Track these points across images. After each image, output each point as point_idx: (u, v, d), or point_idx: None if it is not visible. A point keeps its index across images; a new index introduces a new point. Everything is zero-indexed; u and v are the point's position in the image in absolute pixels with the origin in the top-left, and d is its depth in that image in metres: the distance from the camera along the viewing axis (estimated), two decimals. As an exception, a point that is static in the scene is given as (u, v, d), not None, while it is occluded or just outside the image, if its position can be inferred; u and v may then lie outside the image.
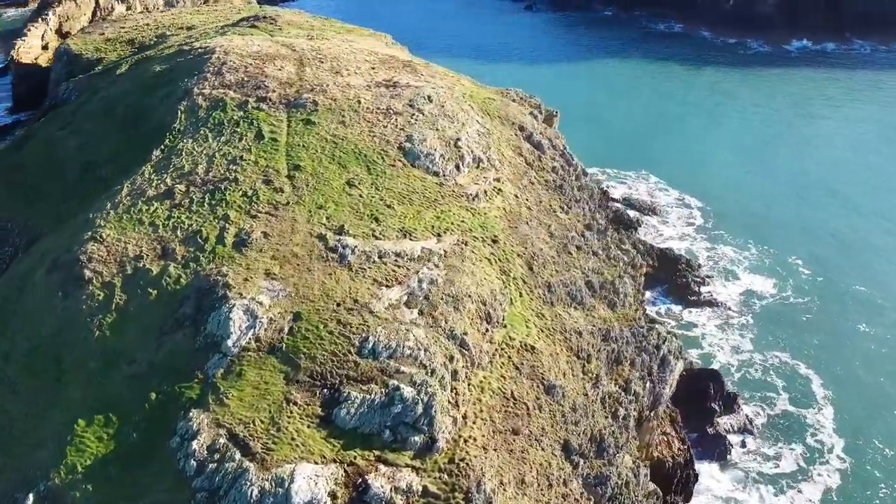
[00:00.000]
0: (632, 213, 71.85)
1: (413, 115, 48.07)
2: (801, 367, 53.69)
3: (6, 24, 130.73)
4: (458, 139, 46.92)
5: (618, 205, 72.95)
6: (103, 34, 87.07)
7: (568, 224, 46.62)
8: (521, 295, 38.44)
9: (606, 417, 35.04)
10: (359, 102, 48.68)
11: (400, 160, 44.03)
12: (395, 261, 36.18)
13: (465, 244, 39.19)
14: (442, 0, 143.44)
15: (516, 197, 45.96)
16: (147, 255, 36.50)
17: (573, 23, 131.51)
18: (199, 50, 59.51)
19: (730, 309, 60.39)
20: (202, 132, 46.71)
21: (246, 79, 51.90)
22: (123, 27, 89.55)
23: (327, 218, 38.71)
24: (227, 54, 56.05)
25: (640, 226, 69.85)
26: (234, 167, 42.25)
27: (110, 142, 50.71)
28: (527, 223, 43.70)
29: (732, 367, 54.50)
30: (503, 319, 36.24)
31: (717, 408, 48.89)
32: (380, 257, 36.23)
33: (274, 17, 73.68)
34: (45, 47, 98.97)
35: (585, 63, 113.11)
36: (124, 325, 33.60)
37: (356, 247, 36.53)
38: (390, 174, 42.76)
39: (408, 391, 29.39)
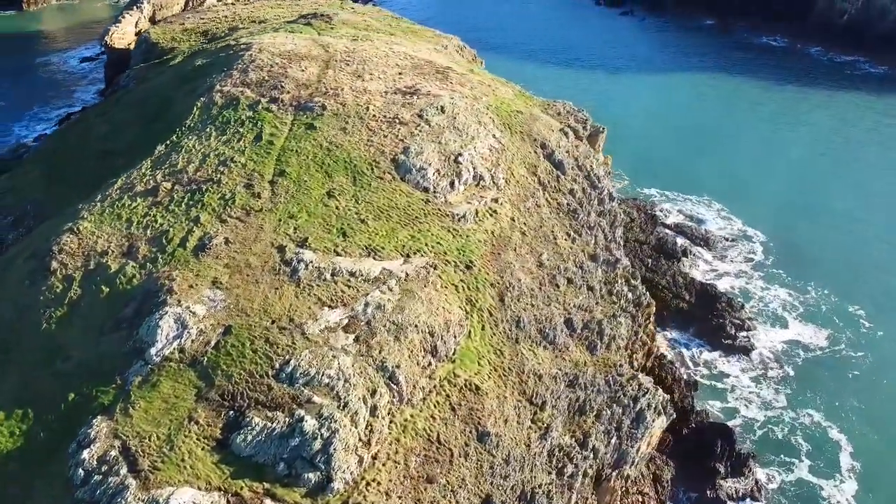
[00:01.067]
0: (681, 241, 66.90)
1: (419, 125, 46.24)
2: (833, 432, 48.03)
3: (119, 10, 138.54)
4: (460, 154, 44.70)
5: (667, 231, 68.23)
6: (183, 24, 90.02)
7: (567, 253, 43.39)
8: (483, 328, 35.95)
9: (549, 473, 32.07)
10: (367, 109, 47.37)
11: (390, 173, 42.37)
12: (348, 280, 34.63)
13: (434, 268, 37.09)
14: (538, 2, 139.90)
15: (512, 220, 43.23)
16: (112, 252, 36.72)
17: (668, 31, 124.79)
18: (241, 46, 60.10)
19: (768, 358, 54.93)
20: (208, 130, 46.84)
21: (267, 78, 51.74)
22: (203, 18, 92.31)
23: (295, 228, 37.67)
24: (261, 52, 56.19)
25: (686, 256, 64.85)
26: (222, 168, 41.99)
27: (131, 132, 51.97)
28: (514, 250, 40.96)
29: (756, 424, 49.45)
30: (453, 353, 33.95)
31: (722, 469, 44.37)
32: (332, 275, 34.79)
33: (330, 16, 73.55)
34: (138, 34, 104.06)
35: (672, 74, 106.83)
36: (71, 320, 33.86)
37: (311, 262, 35.25)
38: (375, 187, 41.20)
39: (309, 424, 27.82)
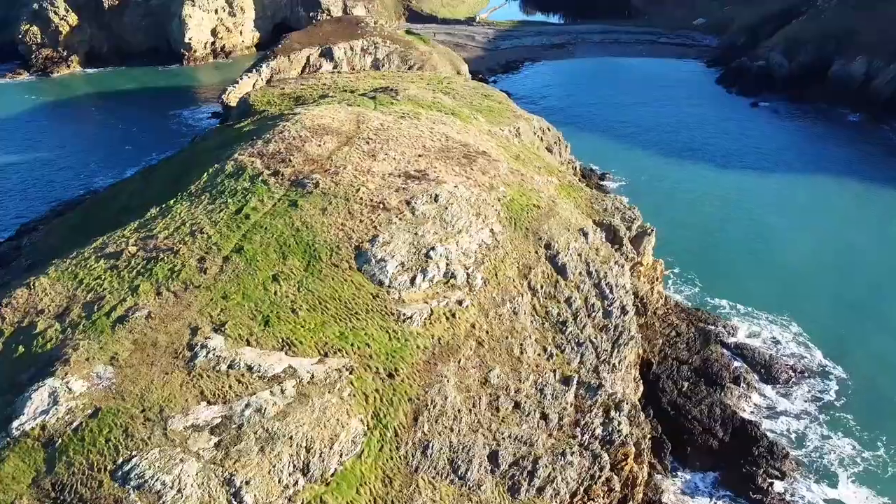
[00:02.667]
0: (736, 366, 58.50)
1: (402, 213, 43.79)
2: None
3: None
4: (433, 248, 41.56)
5: (722, 351, 60.03)
6: (283, 89, 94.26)
7: (528, 371, 38.49)
8: (380, 450, 32.09)
9: None
10: (357, 191, 45.69)
11: (348, 261, 40.08)
12: (242, 374, 32.39)
13: (350, 372, 33.99)
14: (661, 86, 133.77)
15: (472, 327, 39.18)
16: (48, 312, 37.07)
17: (802, 125, 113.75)
18: (285, 116, 61.19)
19: (805, 525, 45.67)
20: (203, 197, 47.24)
21: (281, 150, 51.78)
22: (305, 84, 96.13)
23: (221, 310, 36.20)
24: (294, 124, 56.68)
25: (736, 384, 56.42)
26: (188, 238, 41.75)
27: (153, 192, 53.70)
28: (458, 361, 36.84)
29: None
30: (331, 475, 30.39)
31: None
32: (229, 367, 32.72)
33: (397, 90, 73.73)
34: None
35: (793, 174, 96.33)
36: (-19, 376, 34.12)
37: (215, 349, 33.44)
38: (325, 274, 39.03)
39: (110, 536, 25.45)
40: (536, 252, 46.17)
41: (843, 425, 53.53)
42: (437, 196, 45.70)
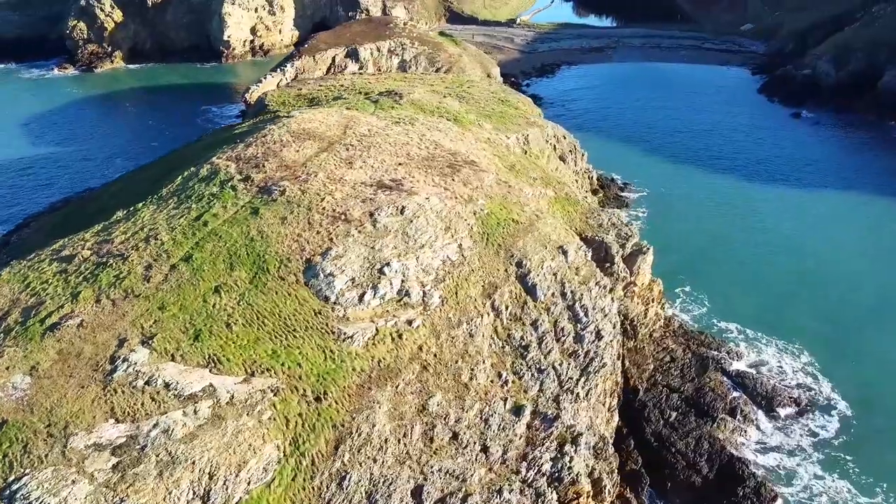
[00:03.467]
0: (734, 396, 54.87)
1: (362, 225, 42.10)
2: None
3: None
4: (388, 264, 39.73)
5: (722, 379, 56.40)
6: (300, 89, 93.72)
7: (474, 399, 36.29)
8: (293, 479, 30.44)
9: None
10: (322, 200, 44.20)
11: (295, 274, 38.59)
12: (157, 392, 31.19)
13: (274, 393, 32.49)
14: (699, 93, 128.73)
15: (420, 348, 37.21)
16: (-11, 315, 36.65)
17: (843, 140, 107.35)
18: (278, 118, 60.28)
19: (785, 577, 42.20)
20: (170, 201, 46.53)
21: (259, 155, 50.75)
22: (323, 85, 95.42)
23: (154, 322, 35.16)
24: (280, 128, 55.67)
25: (732, 416, 52.88)
26: (142, 244, 40.97)
27: (134, 192, 53.33)
28: (397, 386, 34.92)
29: None
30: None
31: None
32: (147, 383, 31.58)
33: (401, 94, 72.12)
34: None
35: (830, 192, 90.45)
36: (-90, 379, 33.79)
37: (136, 363, 32.37)
38: (269, 288, 37.64)
39: (-22, 561, 24.49)
40: (506, 270, 43.87)
41: (838, 465, 49.44)
42: (403, 208, 43.85)
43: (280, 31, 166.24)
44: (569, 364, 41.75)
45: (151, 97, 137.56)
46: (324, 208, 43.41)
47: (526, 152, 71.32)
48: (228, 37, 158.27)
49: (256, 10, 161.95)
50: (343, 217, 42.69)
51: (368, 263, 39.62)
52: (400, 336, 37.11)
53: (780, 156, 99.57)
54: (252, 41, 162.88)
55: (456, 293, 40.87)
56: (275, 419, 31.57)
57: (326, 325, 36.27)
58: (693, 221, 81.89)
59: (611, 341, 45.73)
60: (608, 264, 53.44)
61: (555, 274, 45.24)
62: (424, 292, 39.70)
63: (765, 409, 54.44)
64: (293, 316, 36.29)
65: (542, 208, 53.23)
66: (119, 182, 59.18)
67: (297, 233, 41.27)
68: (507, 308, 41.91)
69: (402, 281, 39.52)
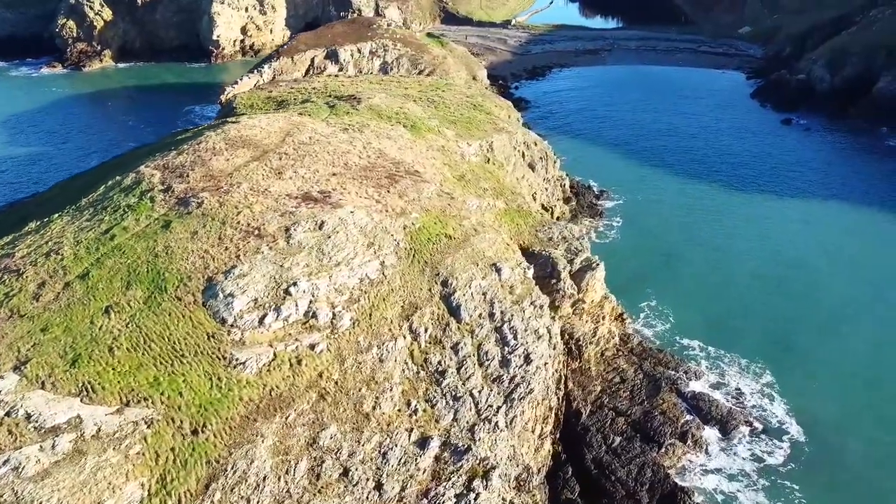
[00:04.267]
0: (686, 420, 52.22)
1: (274, 241, 39.96)
2: None
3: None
4: (295, 284, 37.56)
5: (675, 401, 53.78)
6: (270, 92, 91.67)
7: (370, 431, 34.01)
8: (155, 520, 28.37)
9: None
10: (238, 213, 42.09)
11: (194, 294, 36.50)
12: (16, 423, 29.20)
13: (148, 425, 30.41)
14: (690, 97, 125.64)
15: (320, 375, 35.02)
16: None
17: (833, 147, 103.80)
18: (222, 124, 58.32)
19: None
20: (86, 212, 44.63)
21: (187, 164, 48.77)
22: (294, 87, 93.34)
23: (33, 345, 33.19)
24: (219, 134, 53.73)
25: (683, 441, 50.29)
26: (40, 259, 39.05)
27: (57, 202, 51.51)
28: (287, 417, 32.73)
29: None
30: (84, 548, 26.86)
31: None
32: (7, 413, 29.59)
33: (359, 99, 69.98)
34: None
35: (812, 202, 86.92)
36: None
37: (1, 391, 30.38)
38: (163, 309, 35.57)
39: None
40: (430, 290, 41.58)
41: (784, 495, 46.70)
42: (323, 223, 41.69)
43: (271, 31, 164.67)
44: (491, 390, 39.41)
45: (136, 96, 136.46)
46: (238, 222, 41.32)
47: (489, 160, 68.98)
48: (218, 36, 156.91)
49: (247, 9, 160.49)
50: (256, 232, 40.58)
51: (274, 283, 37.48)
52: (299, 362, 34.95)
53: (763, 162, 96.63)
54: (242, 41, 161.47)
55: (370, 314, 38.65)
56: (144, 454, 29.51)
57: (219, 349, 34.15)
58: (667, 231, 79.30)
59: (544, 365, 43.34)
60: (554, 281, 51.07)
61: (484, 293, 42.90)
62: (334, 314, 37.53)
63: (718, 433, 51.86)
64: (184, 339, 34.21)
65: (486, 221, 50.92)
66: (54, 189, 57.54)
67: (204, 249, 39.19)
68: (426, 330, 39.64)
69: (311, 301, 37.36)
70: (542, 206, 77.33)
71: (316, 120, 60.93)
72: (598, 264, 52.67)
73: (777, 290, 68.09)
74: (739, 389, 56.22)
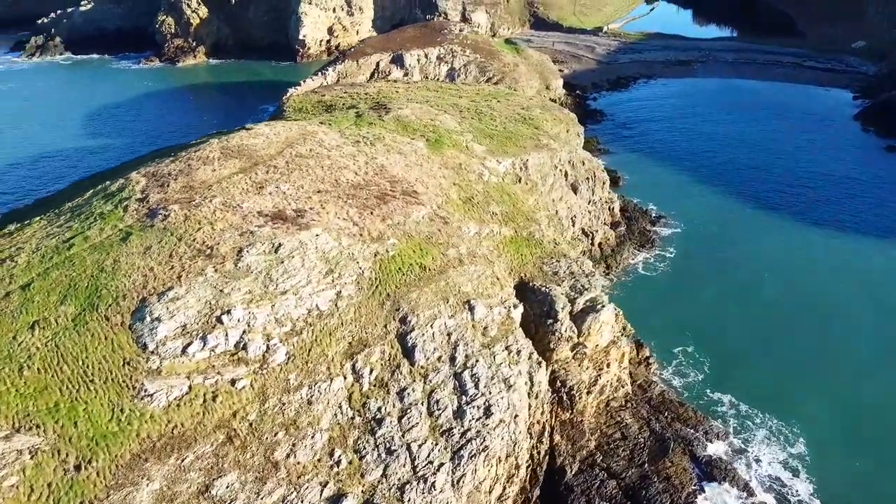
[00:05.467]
0: (693, 490, 46.24)
1: (222, 263, 37.87)
2: None
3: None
4: (229, 312, 35.26)
5: (685, 466, 47.90)
6: (323, 95, 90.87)
7: (275, 482, 31.10)
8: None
9: None
10: (198, 230, 40.35)
11: (123, 315, 34.88)
12: None
13: (31, 456, 28.87)
14: (783, 117, 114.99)
15: (234, 414, 32.48)
16: None
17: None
18: (235, 131, 57.31)
19: None
20: (62, 217, 44.27)
21: (175, 172, 47.71)
22: (347, 92, 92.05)
23: (-51, 358, 32.47)
24: (220, 142, 52.59)
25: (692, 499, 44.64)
26: (-4, 265, 38.68)
27: (61, 201, 51.73)
28: (183, 459, 30.39)
29: None
30: (-74, 587, 25.47)
31: None
32: None
33: (388, 109, 67.33)
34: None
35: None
36: None
37: None
38: (87, 329, 34.14)
39: None
40: (385, 326, 38.28)
41: None
42: (279, 246, 39.24)
43: (357, 32, 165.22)
44: (436, 444, 35.67)
45: (219, 92, 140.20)
46: (194, 240, 39.52)
47: (520, 179, 64.76)
48: (304, 36, 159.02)
49: (334, 10, 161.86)
50: (208, 252, 38.62)
51: (209, 308, 35.33)
52: (214, 398, 32.59)
53: (851, 195, 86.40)
54: (328, 41, 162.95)
55: (309, 350, 35.83)
56: (18, 487, 27.93)
57: (130, 378, 32.30)
58: (725, 270, 71.30)
59: (513, 418, 39.07)
60: (550, 321, 46.55)
61: (449, 334, 39.14)
62: (268, 346, 34.97)
63: (731, 486, 45.70)
64: (98, 364, 32.60)
65: (480, 250, 47.04)
66: (69, 188, 58.41)
67: (150, 266, 37.59)
68: (371, 371, 36.39)
69: (244, 332, 34.96)
70: (582, 230, 72.16)
71: (331, 130, 58.80)
72: (603, 306, 47.57)
73: (834, 350, 59.73)
74: (757, 458, 49.52)
